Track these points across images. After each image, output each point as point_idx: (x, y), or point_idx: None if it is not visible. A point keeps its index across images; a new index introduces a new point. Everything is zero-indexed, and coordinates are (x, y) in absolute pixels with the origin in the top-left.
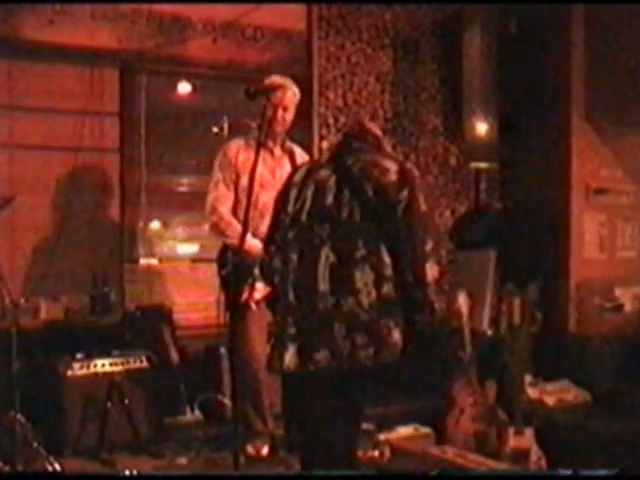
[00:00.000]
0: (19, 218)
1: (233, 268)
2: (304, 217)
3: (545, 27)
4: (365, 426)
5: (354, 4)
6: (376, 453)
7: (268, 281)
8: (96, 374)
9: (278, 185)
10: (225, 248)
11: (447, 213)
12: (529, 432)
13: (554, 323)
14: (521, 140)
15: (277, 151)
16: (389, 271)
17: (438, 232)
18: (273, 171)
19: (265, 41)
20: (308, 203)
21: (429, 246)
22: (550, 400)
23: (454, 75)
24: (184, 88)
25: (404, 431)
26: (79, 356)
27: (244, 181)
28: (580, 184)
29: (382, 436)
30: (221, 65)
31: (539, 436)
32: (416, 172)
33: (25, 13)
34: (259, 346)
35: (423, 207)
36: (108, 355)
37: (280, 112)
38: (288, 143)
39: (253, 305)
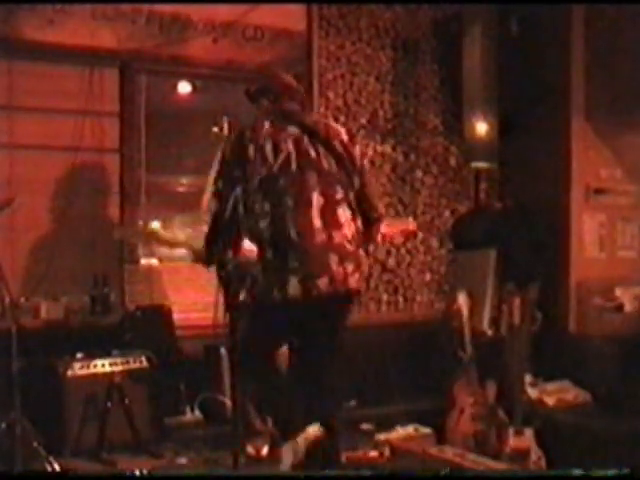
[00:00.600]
0: (19, 218)
1: (233, 268)
2: (294, 167)
3: (545, 27)
4: (365, 426)
5: (354, 4)
6: (376, 453)
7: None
8: (96, 374)
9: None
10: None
11: (447, 213)
12: (529, 432)
13: (554, 323)
14: (521, 140)
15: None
16: (357, 209)
17: None
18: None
19: (265, 41)
20: (293, 155)
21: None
22: (550, 400)
23: (454, 75)
24: (184, 88)
25: (404, 431)
26: (79, 356)
27: None
28: (580, 184)
29: (382, 436)
30: (221, 65)
31: (539, 436)
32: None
33: (25, 13)
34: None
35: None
36: (108, 355)
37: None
38: None
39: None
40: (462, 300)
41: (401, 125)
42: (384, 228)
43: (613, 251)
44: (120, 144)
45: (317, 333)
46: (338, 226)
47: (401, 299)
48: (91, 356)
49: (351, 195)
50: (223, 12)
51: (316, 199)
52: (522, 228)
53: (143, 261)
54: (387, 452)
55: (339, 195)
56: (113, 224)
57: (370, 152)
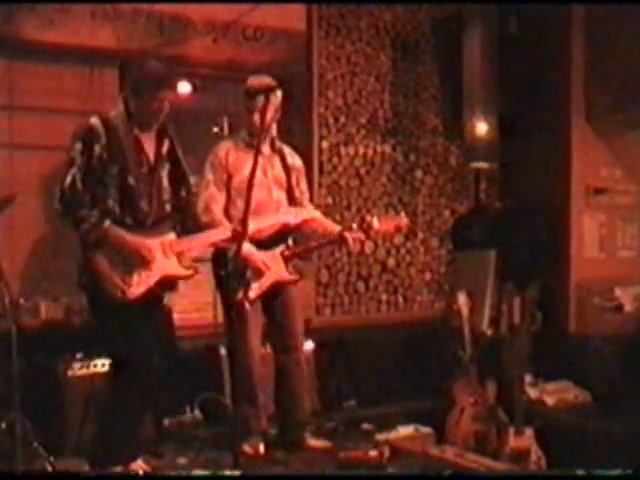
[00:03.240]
0: (19, 218)
1: (232, 267)
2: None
3: (545, 27)
4: (365, 426)
5: (354, 4)
6: (376, 453)
7: None
8: (96, 374)
9: (270, 184)
10: (221, 248)
11: (447, 213)
12: (529, 432)
13: (554, 323)
14: (521, 140)
15: (266, 150)
16: None
17: None
18: (265, 170)
19: (265, 41)
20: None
21: None
22: (550, 400)
23: (454, 75)
24: (184, 88)
25: (404, 431)
26: (79, 356)
27: (236, 181)
28: (580, 184)
29: (382, 436)
30: (221, 65)
31: (539, 436)
32: None
33: (25, 13)
34: (255, 344)
35: None
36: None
37: (272, 113)
38: (278, 143)
39: (247, 304)
40: (462, 300)
41: (401, 125)
42: (377, 224)
43: (613, 251)
44: None
45: None
46: None
47: (401, 299)
48: (91, 356)
49: None
50: (223, 12)
51: None
52: (522, 228)
53: None
54: (387, 452)
55: None
56: None
57: (370, 152)
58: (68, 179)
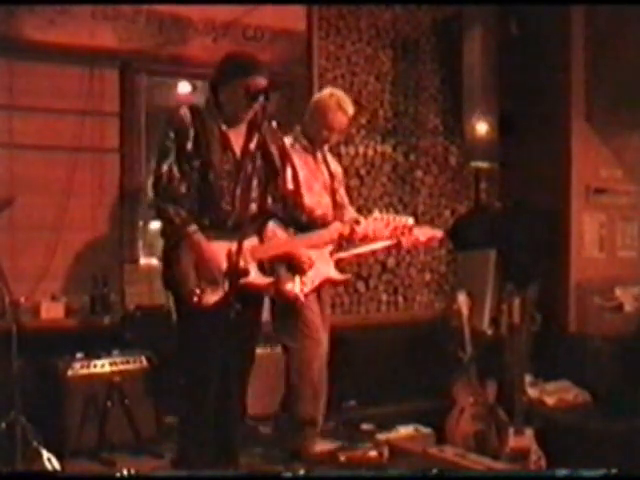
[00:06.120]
0: (19, 218)
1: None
2: None
3: (545, 27)
4: (365, 426)
5: (354, 4)
6: (376, 453)
7: None
8: (96, 374)
9: (317, 187)
10: None
11: (447, 213)
12: (529, 432)
13: (554, 323)
14: (521, 140)
15: (319, 155)
16: None
17: None
18: (314, 173)
19: (265, 41)
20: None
21: None
22: (550, 400)
23: (454, 75)
24: (184, 88)
25: (404, 431)
26: (79, 356)
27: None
28: (580, 184)
29: (382, 436)
30: None
31: (539, 436)
32: None
33: (25, 13)
34: (320, 338)
35: None
36: (108, 355)
37: (335, 136)
38: (323, 149)
39: (302, 296)
40: (462, 300)
41: (401, 125)
42: (417, 232)
43: (613, 251)
44: (120, 144)
45: None
46: None
47: (401, 299)
48: (91, 356)
49: None
50: (223, 12)
51: None
52: (522, 228)
53: (143, 261)
54: (387, 452)
55: None
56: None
57: (370, 152)
58: (164, 167)
